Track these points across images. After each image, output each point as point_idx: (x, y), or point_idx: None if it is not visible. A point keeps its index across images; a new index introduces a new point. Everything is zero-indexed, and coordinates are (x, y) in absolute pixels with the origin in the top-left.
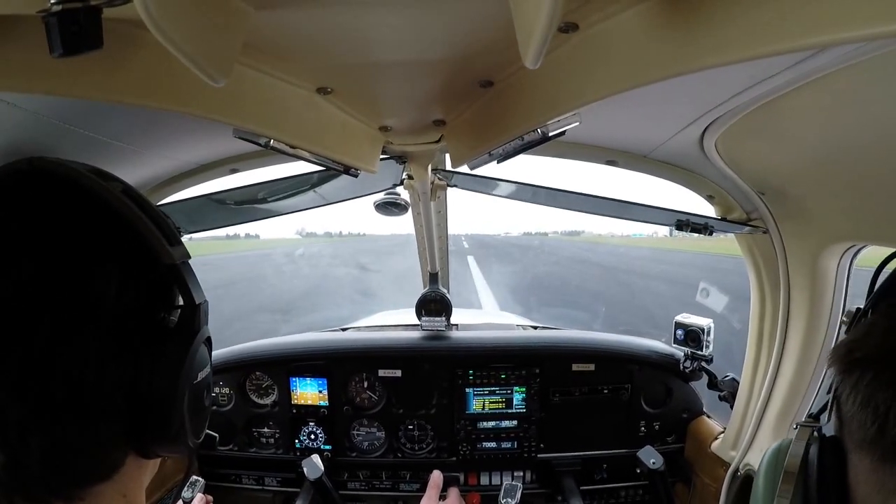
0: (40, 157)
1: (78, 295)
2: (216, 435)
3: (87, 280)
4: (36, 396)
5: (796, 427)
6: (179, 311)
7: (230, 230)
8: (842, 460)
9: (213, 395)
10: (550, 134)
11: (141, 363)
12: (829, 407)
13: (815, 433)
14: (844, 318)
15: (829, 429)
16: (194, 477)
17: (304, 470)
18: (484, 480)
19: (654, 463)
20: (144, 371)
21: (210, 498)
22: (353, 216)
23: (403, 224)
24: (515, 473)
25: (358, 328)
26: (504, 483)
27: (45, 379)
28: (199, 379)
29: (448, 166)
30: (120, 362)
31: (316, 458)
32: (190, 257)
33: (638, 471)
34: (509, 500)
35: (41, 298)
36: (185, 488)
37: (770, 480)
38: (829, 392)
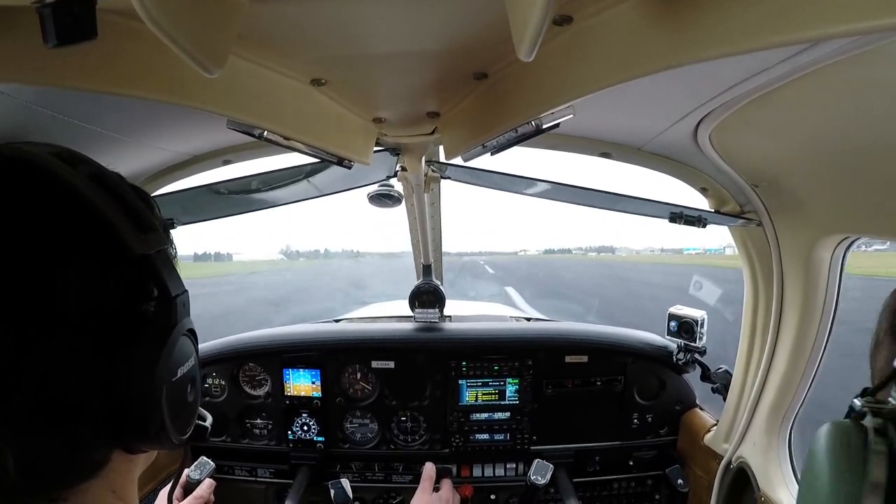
0: (7, 143)
1: (37, 291)
2: (207, 426)
3: (47, 275)
4: (1, 402)
5: (863, 406)
6: (155, 303)
7: (198, 250)
8: None
9: (206, 386)
10: (544, 126)
11: (115, 361)
12: (893, 385)
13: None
14: None
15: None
16: (203, 458)
17: (332, 493)
18: (477, 472)
19: (681, 484)
20: (119, 369)
21: (215, 483)
22: (344, 229)
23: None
24: (508, 465)
25: (351, 319)
26: (535, 461)
27: (9, 383)
28: (178, 375)
29: (442, 158)
30: (91, 361)
31: (345, 482)
32: (166, 244)
33: (631, 462)
34: (539, 477)
35: None
36: (193, 468)
37: (840, 470)
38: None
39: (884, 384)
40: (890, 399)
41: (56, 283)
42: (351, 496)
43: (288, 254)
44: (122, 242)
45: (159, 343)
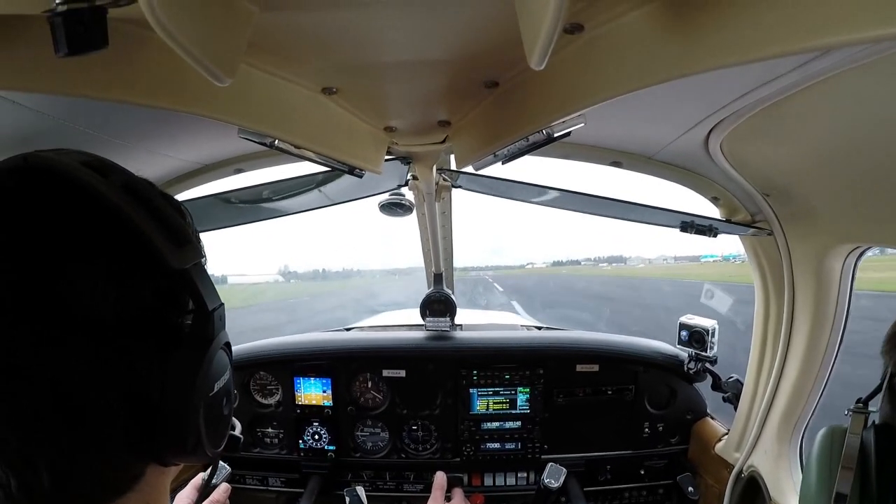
0: (36, 151)
1: (71, 304)
2: (241, 437)
3: (81, 287)
4: (31, 418)
5: (848, 413)
6: (191, 317)
7: None
8: None
9: None
10: (555, 135)
11: (152, 375)
12: (882, 393)
13: (868, 420)
14: None
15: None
16: (220, 463)
17: (347, 500)
18: (488, 481)
19: (691, 492)
20: (156, 383)
21: (230, 487)
22: (343, 247)
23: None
24: (519, 474)
25: (362, 328)
26: (549, 465)
27: (38, 398)
28: (215, 389)
29: (453, 167)
30: (128, 375)
31: (360, 489)
32: (202, 257)
33: (642, 471)
34: (552, 481)
35: (24, 308)
36: (209, 472)
37: (823, 468)
38: (882, 378)
39: (874, 394)
40: (871, 408)
41: (90, 296)
42: (365, 503)
43: (286, 274)
44: (159, 257)
45: (198, 358)
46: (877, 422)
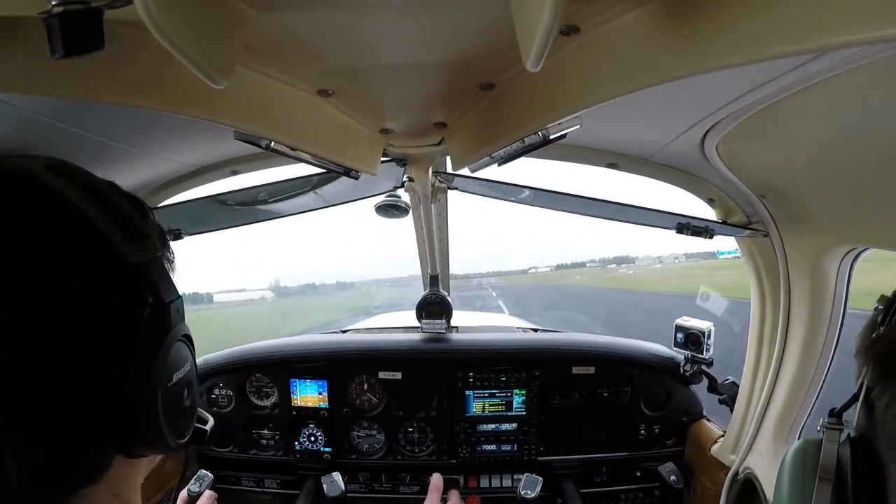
0: (3, 158)
1: (32, 300)
2: (207, 429)
3: (40, 284)
4: (3, 410)
5: (820, 428)
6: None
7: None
8: (875, 464)
9: (213, 396)
10: (551, 137)
11: (112, 367)
12: (857, 405)
13: (844, 434)
14: (879, 306)
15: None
16: (203, 471)
17: (325, 487)
18: (484, 483)
19: (674, 481)
20: (116, 374)
21: (216, 495)
22: (335, 260)
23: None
24: (515, 476)
25: (358, 330)
26: (524, 475)
27: (10, 390)
28: (174, 380)
29: (449, 169)
30: (88, 367)
31: (337, 475)
32: (159, 251)
33: (638, 473)
34: (528, 491)
35: None
36: (193, 482)
37: (796, 481)
38: (858, 389)
39: (849, 405)
40: (845, 419)
41: (50, 292)
42: (343, 488)
43: (277, 290)
44: (115, 251)
45: (153, 349)
46: (852, 434)
